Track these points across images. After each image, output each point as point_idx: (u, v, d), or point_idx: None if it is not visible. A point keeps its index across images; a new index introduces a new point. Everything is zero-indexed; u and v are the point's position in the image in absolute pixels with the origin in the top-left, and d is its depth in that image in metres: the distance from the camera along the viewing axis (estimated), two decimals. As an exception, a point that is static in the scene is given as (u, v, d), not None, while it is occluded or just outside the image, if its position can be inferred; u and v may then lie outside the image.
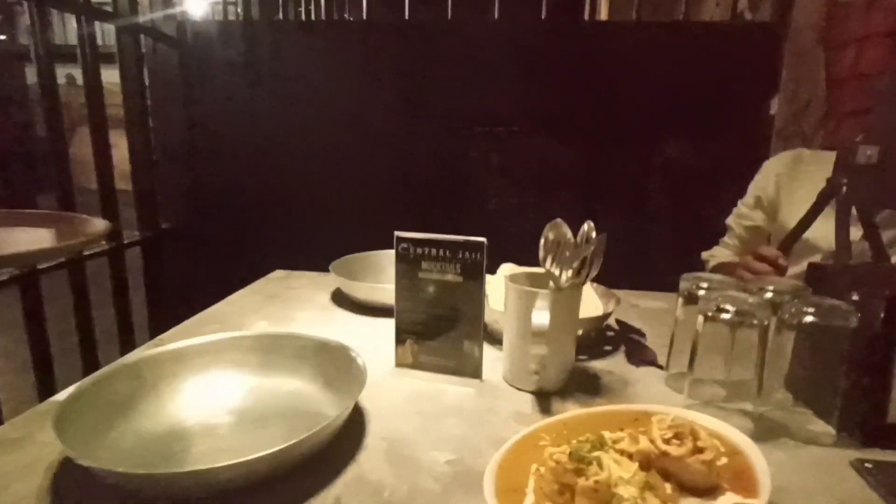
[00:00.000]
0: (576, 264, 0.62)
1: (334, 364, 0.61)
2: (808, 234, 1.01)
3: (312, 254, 1.06)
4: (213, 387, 0.61)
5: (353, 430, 0.56)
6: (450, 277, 0.66)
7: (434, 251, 0.66)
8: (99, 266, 1.48)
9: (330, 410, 0.57)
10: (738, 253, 1.25)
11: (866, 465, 0.51)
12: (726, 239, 1.29)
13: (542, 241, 0.65)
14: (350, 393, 0.56)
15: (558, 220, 0.66)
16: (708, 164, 1.59)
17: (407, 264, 0.68)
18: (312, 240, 1.46)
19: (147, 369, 0.60)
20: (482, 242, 0.64)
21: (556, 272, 0.63)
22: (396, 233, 0.67)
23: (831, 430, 0.57)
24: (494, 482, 0.42)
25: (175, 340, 0.64)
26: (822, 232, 0.99)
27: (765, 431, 0.58)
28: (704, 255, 1.31)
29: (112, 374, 0.57)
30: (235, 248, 1.78)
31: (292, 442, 0.45)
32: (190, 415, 0.58)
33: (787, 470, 0.51)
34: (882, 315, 0.53)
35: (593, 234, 0.62)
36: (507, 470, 0.44)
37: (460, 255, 0.65)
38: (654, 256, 1.57)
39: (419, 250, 0.66)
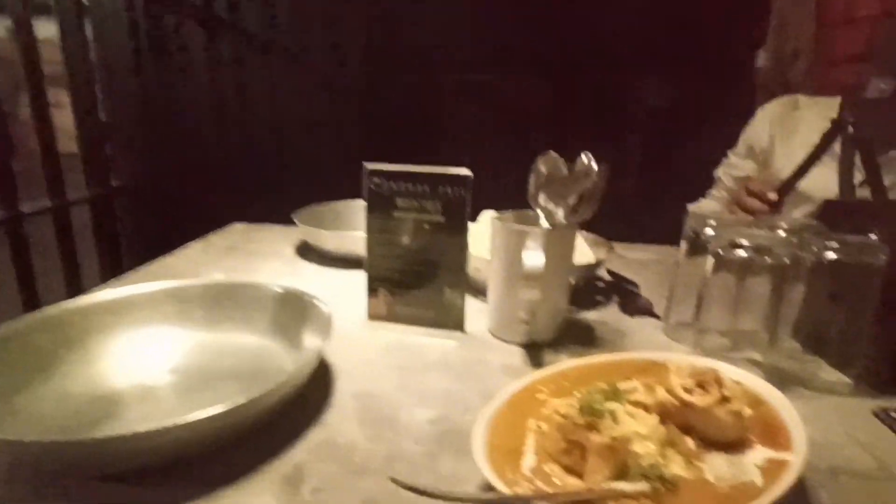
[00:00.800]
0: (573, 199, 0.54)
1: (296, 315, 0.53)
2: (801, 182, 0.96)
3: (277, 209, 0.95)
4: (153, 343, 0.52)
5: (319, 389, 0.48)
6: (429, 216, 0.58)
7: (411, 186, 0.57)
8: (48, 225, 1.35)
9: (291, 367, 0.50)
10: (725, 206, 1.20)
11: (891, 413, 0.47)
12: (714, 191, 1.23)
13: (531, 176, 0.58)
14: (314, 346, 0.48)
15: (551, 151, 0.58)
16: (691, 111, 1.53)
17: (379, 202, 0.59)
18: (277, 194, 1.35)
19: (72, 322, 0.50)
20: (467, 176, 0.56)
21: (551, 208, 0.55)
22: (367, 165, 0.58)
23: (847, 379, 0.52)
24: (485, 441, 0.35)
25: (109, 292, 0.55)
26: (816, 181, 0.95)
27: (777, 382, 0.52)
28: (691, 207, 1.25)
29: (28, 327, 0.48)
30: (195, 206, 1.64)
31: (243, 401, 0.37)
32: (124, 376, 0.49)
33: (808, 421, 0.45)
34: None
35: (594, 166, 0.54)
36: (501, 427, 0.37)
37: (441, 191, 0.57)
38: (635, 209, 1.51)
39: (393, 185, 0.58)
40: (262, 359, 0.52)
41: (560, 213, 0.55)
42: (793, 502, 0.33)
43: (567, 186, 0.56)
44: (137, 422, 0.44)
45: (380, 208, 0.59)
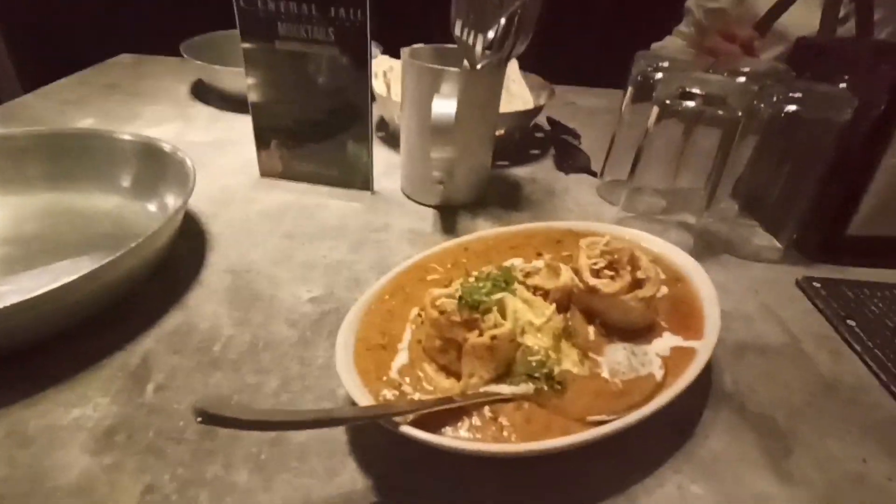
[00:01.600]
0: (497, 29, 0.43)
1: (156, 171, 0.44)
2: (781, 18, 0.84)
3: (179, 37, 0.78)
4: (-20, 207, 0.43)
5: (186, 262, 0.41)
6: (320, 49, 0.46)
7: (294, 7, 0.44)
8: None
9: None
10: (693, 45, 1.08)
11: (814, 283, 0.44)
12: (682, 27, 1.10)
13: (453, -2, 0.45)
14: (174, 209, 0.39)
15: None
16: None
17: (255, 28, 0.46)
18: (180, 18, 1.12)
19: None
20: (364, -7, 0.43)
21: (471, 42, 0.44)
22: (232, -26, 0.44)
23: (778, 244, 0.49)
24: (356, 334, 0.30)
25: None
26: (797, 16, 0.83)
27: (705, 248, 0.49)
28: (654, 46, 1.12)
29: None
30: (72, 36, 1.38)
31: (69, 279, 0.30)
32: (-59, 248, 0.40)
33: (728, 292, 0.43)
34: (883, 106, 0.41)
35: (525, -17, 0.42)
36: (379, 316, 0.32)
37: (333, 13, 0.44)
38: (590, 50, 1.35)
39: (271, 5, 0.45)
40: (117, 225, 0.44)
41: (480, 48, 0.44)
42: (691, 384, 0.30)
43: (494, 11, 0.44)
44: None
45: (257, 36, 0.46)
